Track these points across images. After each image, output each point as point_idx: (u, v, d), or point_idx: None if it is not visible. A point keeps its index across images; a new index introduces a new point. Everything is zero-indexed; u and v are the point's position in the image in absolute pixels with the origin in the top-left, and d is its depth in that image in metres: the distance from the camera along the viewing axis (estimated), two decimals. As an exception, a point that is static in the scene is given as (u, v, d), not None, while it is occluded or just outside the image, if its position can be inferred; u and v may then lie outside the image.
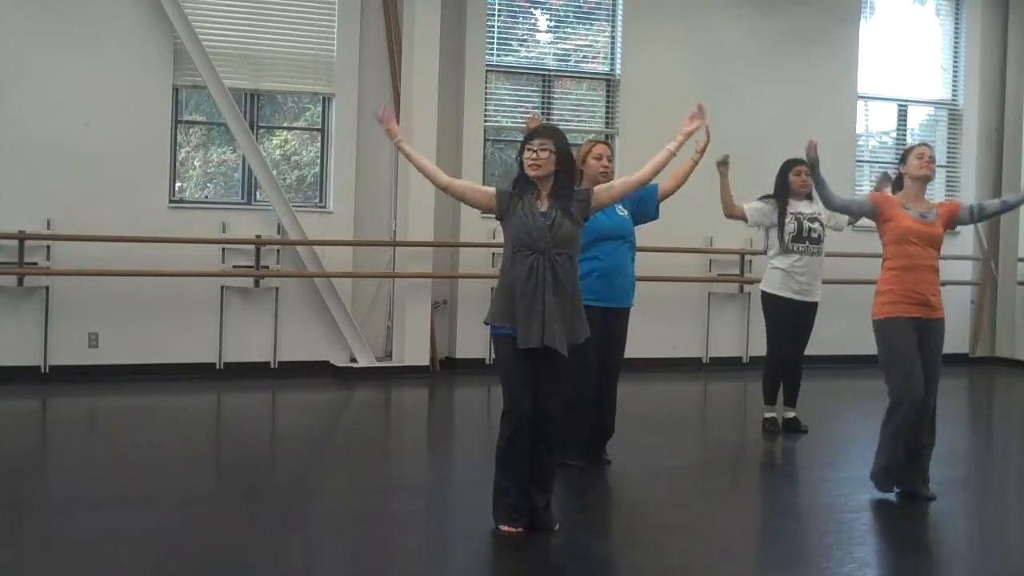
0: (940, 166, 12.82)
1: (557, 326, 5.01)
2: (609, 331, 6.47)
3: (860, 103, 12.35)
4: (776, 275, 7.77)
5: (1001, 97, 12.81)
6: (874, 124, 12.75)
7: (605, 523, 5.77)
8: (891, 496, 6.03)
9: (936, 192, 12.85)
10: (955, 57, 12.80)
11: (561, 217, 5.10)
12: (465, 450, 6.17)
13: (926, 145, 6.24)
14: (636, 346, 11.21)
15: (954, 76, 12.81)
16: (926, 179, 6.10)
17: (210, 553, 4.76)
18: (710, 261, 11.52)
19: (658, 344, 11.20)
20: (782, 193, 7.79)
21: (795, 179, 7.77)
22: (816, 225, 7.75)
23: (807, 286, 7.68)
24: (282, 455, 7.33)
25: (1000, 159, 12.81)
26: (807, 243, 7.69)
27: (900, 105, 12.67)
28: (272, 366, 10.03)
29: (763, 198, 7.87)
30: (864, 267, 12.10)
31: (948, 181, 12.76)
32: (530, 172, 5.13)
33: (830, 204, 6.24)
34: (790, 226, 7.69)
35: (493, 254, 10.37)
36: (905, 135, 12.80)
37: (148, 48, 9.63)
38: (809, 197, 7.73)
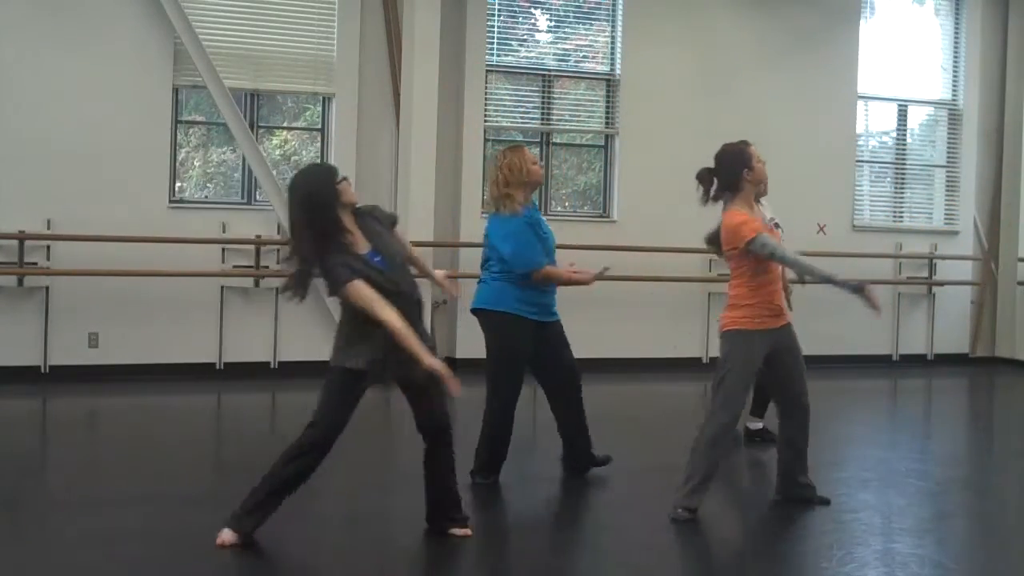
0: (940, 166, 12.83)
1: None
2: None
3: (860, 103, 12.34)
4: None
5: (1001, 97, 12.80)
6: (874, 124, 12.75)
7: (604, 521, 5.77)
8: (891, 496, 6.01)
9: (936, 192, 12.85)
10: (955, 57, 12.78)
11: None
12: (465, 450, 6.15)
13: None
14: (636, 346, 11.34)
15: (954, 76, 12.79)
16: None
17: (210, 553, 4.75)
18: (710, 261, 11.48)
19: (658, 344, 11.20)
20: None
21: None
22: None
23: None
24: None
25: (1000, 159, 12.80)
26: None
27: (900, 105, 12.66)
28: (272, 366, 10.03)
29: None
30: (864, 267, 12.12)
31: (948, 181, 12.74)
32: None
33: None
34: None
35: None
36: (905, 135, 12.79)
37: (148, 48, 9.64)
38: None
